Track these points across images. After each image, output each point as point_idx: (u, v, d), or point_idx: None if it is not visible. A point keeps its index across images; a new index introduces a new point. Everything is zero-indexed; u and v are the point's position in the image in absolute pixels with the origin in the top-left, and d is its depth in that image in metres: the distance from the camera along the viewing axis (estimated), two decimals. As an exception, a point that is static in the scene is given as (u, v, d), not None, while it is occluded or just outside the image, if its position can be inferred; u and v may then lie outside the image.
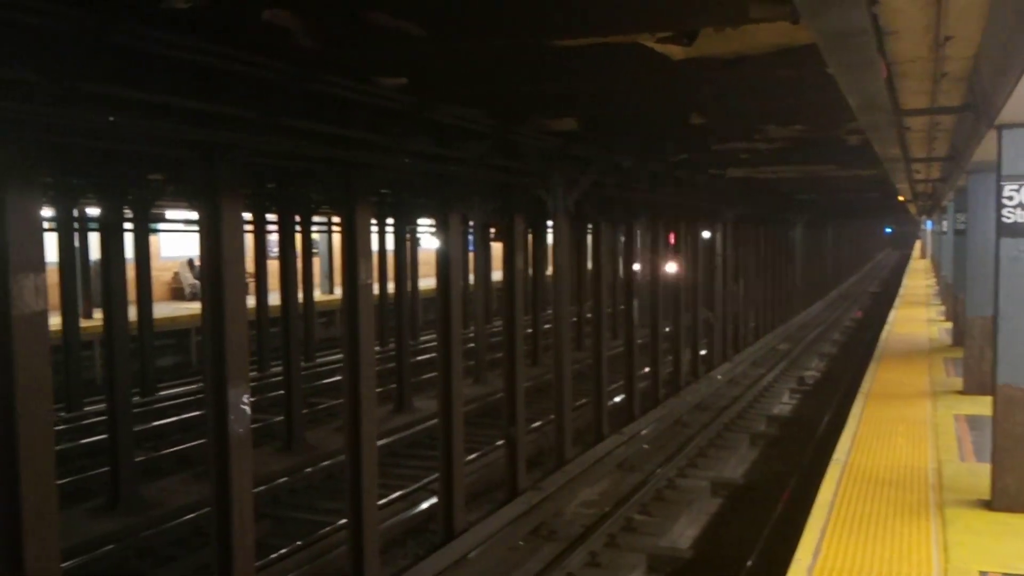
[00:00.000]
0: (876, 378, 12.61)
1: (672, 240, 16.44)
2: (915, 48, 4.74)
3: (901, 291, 29.90)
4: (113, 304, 10.59)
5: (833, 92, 5.73)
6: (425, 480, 11.32)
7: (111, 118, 5.49)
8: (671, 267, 15.80)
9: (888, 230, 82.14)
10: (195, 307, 21.50)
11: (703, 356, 19.31)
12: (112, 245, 10.84)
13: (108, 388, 10.55)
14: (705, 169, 15.69)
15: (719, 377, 18.88)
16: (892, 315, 21.63)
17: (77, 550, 8.76)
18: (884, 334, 17.82)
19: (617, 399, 15.12)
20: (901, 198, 21.91)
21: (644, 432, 13.71)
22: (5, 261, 4.79)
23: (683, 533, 10.09)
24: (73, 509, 10.11)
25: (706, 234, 19.77)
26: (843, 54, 4.23)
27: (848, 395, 13.87)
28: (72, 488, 10.78)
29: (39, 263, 5.02)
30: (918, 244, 58.90)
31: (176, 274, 25.80)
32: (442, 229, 9.37)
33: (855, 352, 22.85)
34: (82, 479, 11.18)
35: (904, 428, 9.41)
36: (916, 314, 21.58)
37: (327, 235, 27.70)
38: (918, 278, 36.02)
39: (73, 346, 15.13)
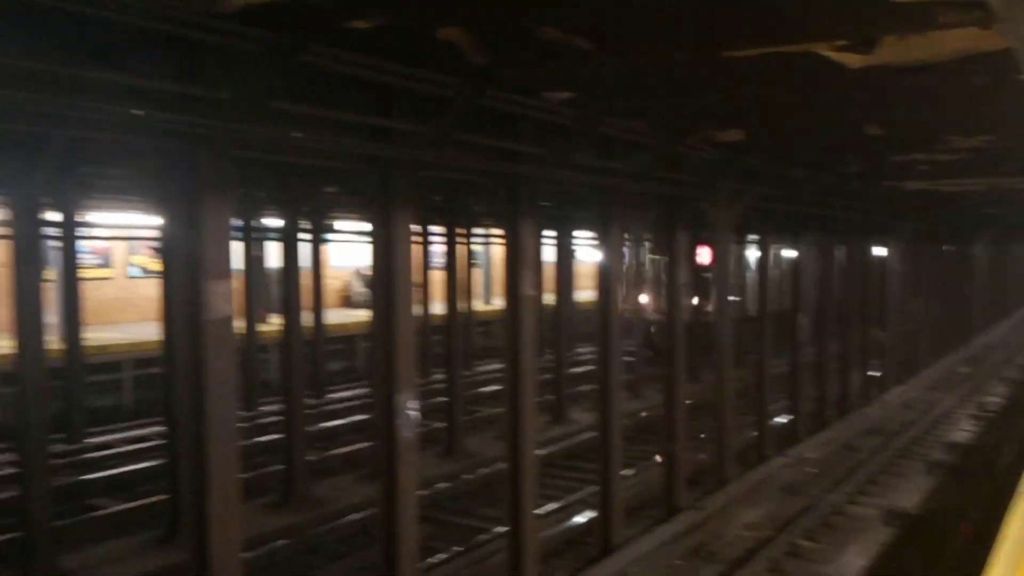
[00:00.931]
0: (1071, 407, 11.64)
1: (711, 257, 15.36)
2: (1125, 51, 4.37)
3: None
4: (291, 310, 11.15)
5: (1028, 99, 5.37)
6: (581, 493, 11.31)
7: (294, 134, 5.80)
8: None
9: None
10: (362, 314, 22.37)
11: (875, 378, 18.41)
12: (290, 255, 11.43)
13: (285, 390, 11.10)
14: (880, 182, 14.99)
15: (892, 400, 17.94)
16: (1089, 339, 19.93)
17: (253, 542, 9.25)
18: (1079, 360, 16.45)
19: (780, 420, 14.62)
20: (1101, 213, 20.19)
21: (810, 455, 13.20)
22: (199, 269, 5.15)
23: (851, 562, 9.62)
24: (249, 504, 10.67)
25: (880, 250, 18.89)
26: (1043, 59, 3.95)
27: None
28: (247, 484, 11.39)
29: (227, 271, 5.37)
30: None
31: (347, 283, 26.94)
32: (603, 241, 9.36)
33: (1045, 378, 21.21)
34: (257, 476, 11.79)
35: (1104, 463, 8.64)
36: (1117, 339, 19.79)
37: (486, 247, 28.20)
38: (1119, 300, 33.03)
39: (252, 349, 16.05)
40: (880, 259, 19.43)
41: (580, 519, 10.39)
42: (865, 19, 4.88)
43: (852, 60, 5.67)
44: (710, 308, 20.13)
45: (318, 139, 5.99)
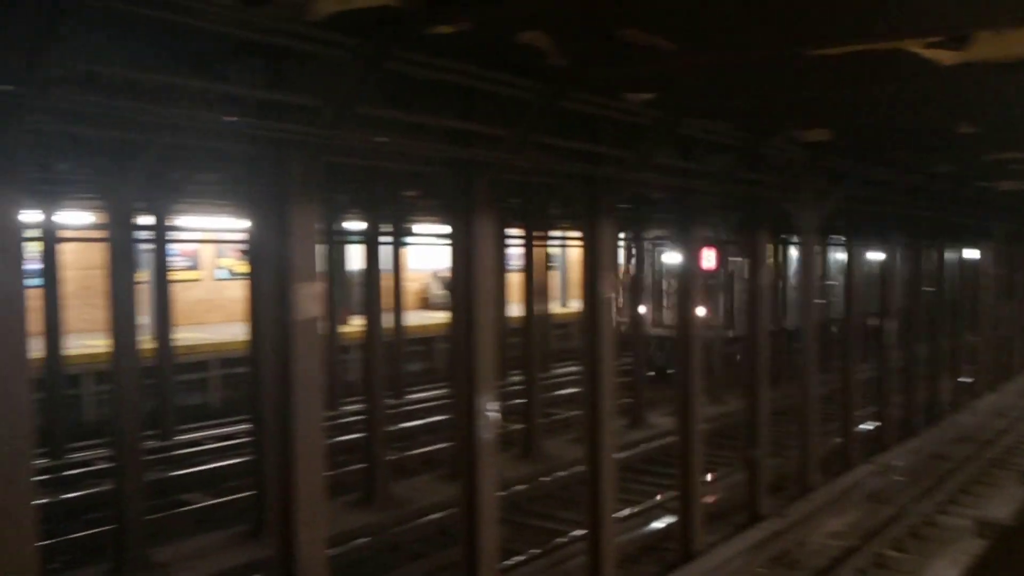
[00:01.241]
0: None
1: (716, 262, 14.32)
2: None
3: None
4: (372, 312, 11.32)
5: None
6: (659, 497, 11.21)
7: (379, 138, 5.89)
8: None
9: None
10: (440, 316, 22.57)
11: (966, 384, 17.81)
12: (371, 257, 11.61)
13: (366, 391, 11.27)
14: (972, 181, 14.49)
15: (984, 408, 17.31)
16: None
17: (336, 540, 9.40)
18: None
19: (865, 427, 14.24)
20: None
21: (897, 463, 12.83)
22: (288, 271, 5.27)
23: (941, 574, 9.32)
24: (332, 501, 10.86)
25: (971, 252, 18.27)
26: None
27: None
28: (330, 481, 11.57)
29: (314, 273, 5.48)
30: None
31: (425, 285, 27.24)
32: (683, 243, 9.27)
33: None
34: (339, 474, 11.99)
35: None
36: None
37: (563, 249, 28.19)
38: None
39: (334, 350, 16.34)
40: (972, 261, 18.79)
41: (659, 524, 10.29)
42: (959, 15, 4.73)
43: (944, 57, 5.51)
44: (719, 322, 19.23)
45: (401, 143, 6.07)
